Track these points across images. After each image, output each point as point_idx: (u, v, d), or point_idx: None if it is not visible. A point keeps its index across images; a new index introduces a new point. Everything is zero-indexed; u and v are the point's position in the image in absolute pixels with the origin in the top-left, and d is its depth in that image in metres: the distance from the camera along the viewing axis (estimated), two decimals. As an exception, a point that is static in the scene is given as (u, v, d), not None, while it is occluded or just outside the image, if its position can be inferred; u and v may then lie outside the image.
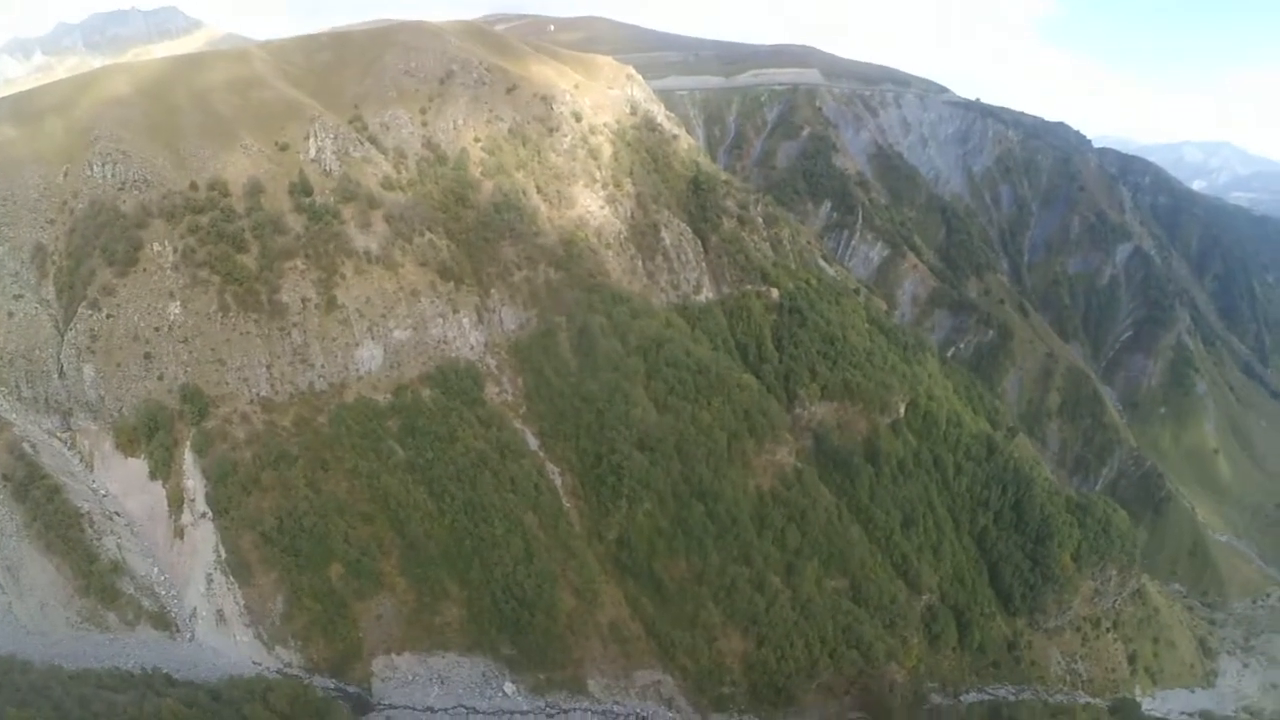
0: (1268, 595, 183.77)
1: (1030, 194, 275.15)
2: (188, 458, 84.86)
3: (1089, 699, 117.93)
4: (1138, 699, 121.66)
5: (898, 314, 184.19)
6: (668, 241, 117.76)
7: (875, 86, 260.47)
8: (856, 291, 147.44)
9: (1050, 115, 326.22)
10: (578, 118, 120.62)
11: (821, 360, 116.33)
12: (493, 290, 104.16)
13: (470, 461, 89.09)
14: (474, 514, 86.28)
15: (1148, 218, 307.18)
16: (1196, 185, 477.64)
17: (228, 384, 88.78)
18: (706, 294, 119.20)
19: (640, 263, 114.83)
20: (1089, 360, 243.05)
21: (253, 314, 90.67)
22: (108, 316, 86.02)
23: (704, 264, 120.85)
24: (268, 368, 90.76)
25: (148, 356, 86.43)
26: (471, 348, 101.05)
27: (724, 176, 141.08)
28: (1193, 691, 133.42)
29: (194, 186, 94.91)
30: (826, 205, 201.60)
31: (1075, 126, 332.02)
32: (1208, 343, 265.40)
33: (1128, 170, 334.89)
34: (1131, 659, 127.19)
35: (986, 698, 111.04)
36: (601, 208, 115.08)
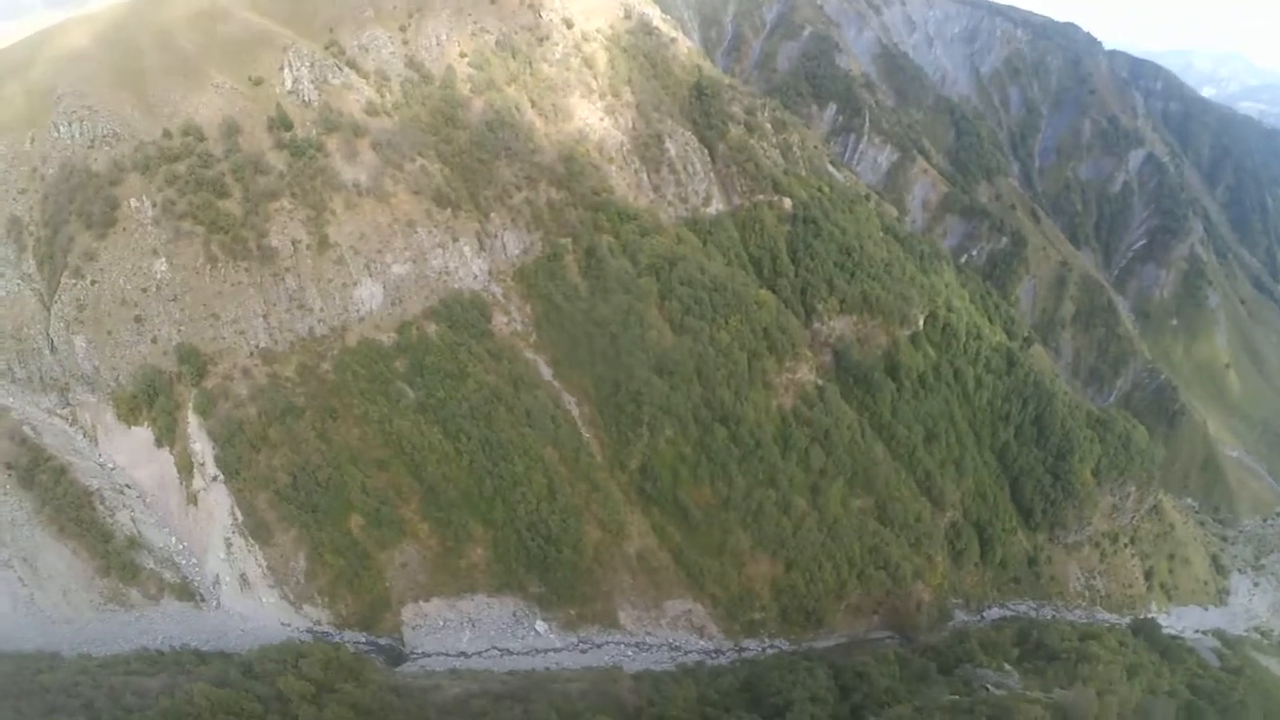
0: (1278, 514, 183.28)
1: (1040, 96, 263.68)
2: (191, 421, 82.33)
3: (1107, 615, 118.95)
4: (1153, 615, 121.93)
5: (908, 220, 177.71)
6: (673, 152, 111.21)
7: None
8: (867, 198, 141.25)
9: (1058, 15, 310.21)
10: (569, 25, 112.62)
11: (839, 272, 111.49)
12: (492, 214, 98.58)
13: (483, 398, 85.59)
14: (492, 452, 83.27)
15: (1159, 124, 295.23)
16: (1205, 94, 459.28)
17: (224, 339, 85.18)
18: (716, 206, 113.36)
19: (645, 176, 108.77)
20: (1100, 269, 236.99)
21: (242, 262, 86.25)
22: (92, 283, 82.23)
23: (712, 174, 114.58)
24: (264, 317, 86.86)
25: (138, 320, 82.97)
26: (475, 277, 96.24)
27: (728, 81, 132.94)
28: (1206, 609, 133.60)
29: (167, 134, 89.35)
30: (831, 108, 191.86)
31: (1084, 28, 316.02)
32: (1219, 255, 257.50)
33: (1138, 74, 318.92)
34: (1148, 575, 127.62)
35: (1008, 613, 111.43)
36: (601, 120, 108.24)
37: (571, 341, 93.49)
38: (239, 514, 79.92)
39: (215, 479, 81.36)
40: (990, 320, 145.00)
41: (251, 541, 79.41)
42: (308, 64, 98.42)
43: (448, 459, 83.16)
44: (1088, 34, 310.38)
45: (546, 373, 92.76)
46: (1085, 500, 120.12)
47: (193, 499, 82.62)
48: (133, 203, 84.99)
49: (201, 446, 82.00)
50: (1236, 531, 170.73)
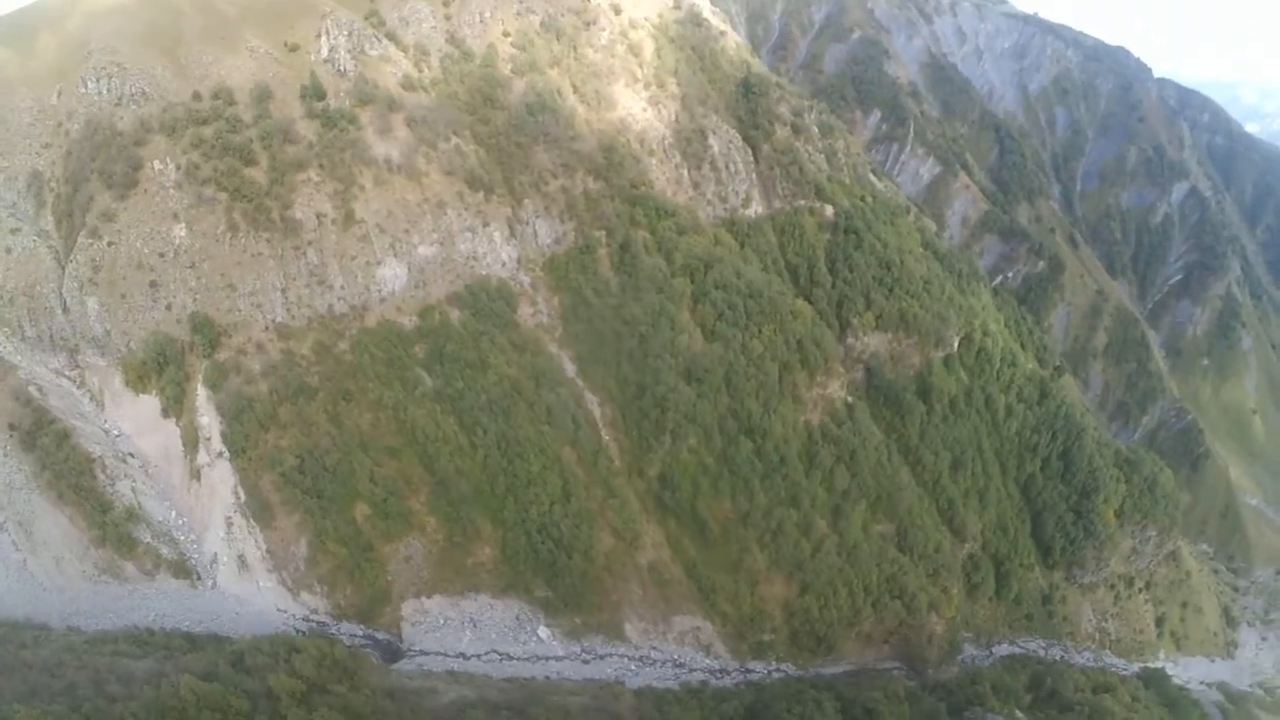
0: None
1: (1087, 119, 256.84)
2: (201, 393, 79.83)
3: (1115, 660, 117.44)
4: (1161, 663, 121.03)
5: (946, 236, 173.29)
6: (715, 149, 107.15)
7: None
8: (907, 211, 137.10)
9: (1109, 38, 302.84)
10: (616, 10, 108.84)
11: (877, 287, 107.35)
12: (526, 201, 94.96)
13: (503, 391, 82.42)
14: (508, 448, 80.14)
15: (1203, 158, 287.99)
16: (1249, 129, 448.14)
17: (240, 311, 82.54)
18: (756, 208, 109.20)
19: (686, 172, 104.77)
20: (1135, 301, 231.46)
21: (264, 233, 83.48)
22: (109, 244, 80.00)
23: (754, 175, 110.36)
24: (282, 291, 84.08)
25: (153, 285, 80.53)
26: (503, 264, 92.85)
27: (776, 80, 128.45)
28: (1212, 661, 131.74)
29: (196, 96, 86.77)
30: (875, 115, 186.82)
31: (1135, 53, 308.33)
32: (1254, 296, 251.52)
33: (1185, 105, 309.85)
34: (1159, 621, 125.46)
35: (1018, 650, 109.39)
36: (644, 110, 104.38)
37: (598, 339, 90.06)
38: (242, 493, 77.46)
39: (220, 455, 78.95)
40: (1023, 346, 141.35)
41: (253, 523, 76.96)
42: (345, 33, 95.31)
43: (461, 452, 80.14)
44: (1138, 59, 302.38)
45: (570, 369, 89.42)
46: (1106, 542, 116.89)
47: (196, 474, 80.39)
48: (156, 165, 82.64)
49: (209, 420, 79.54)
50: (1249, 582, 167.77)
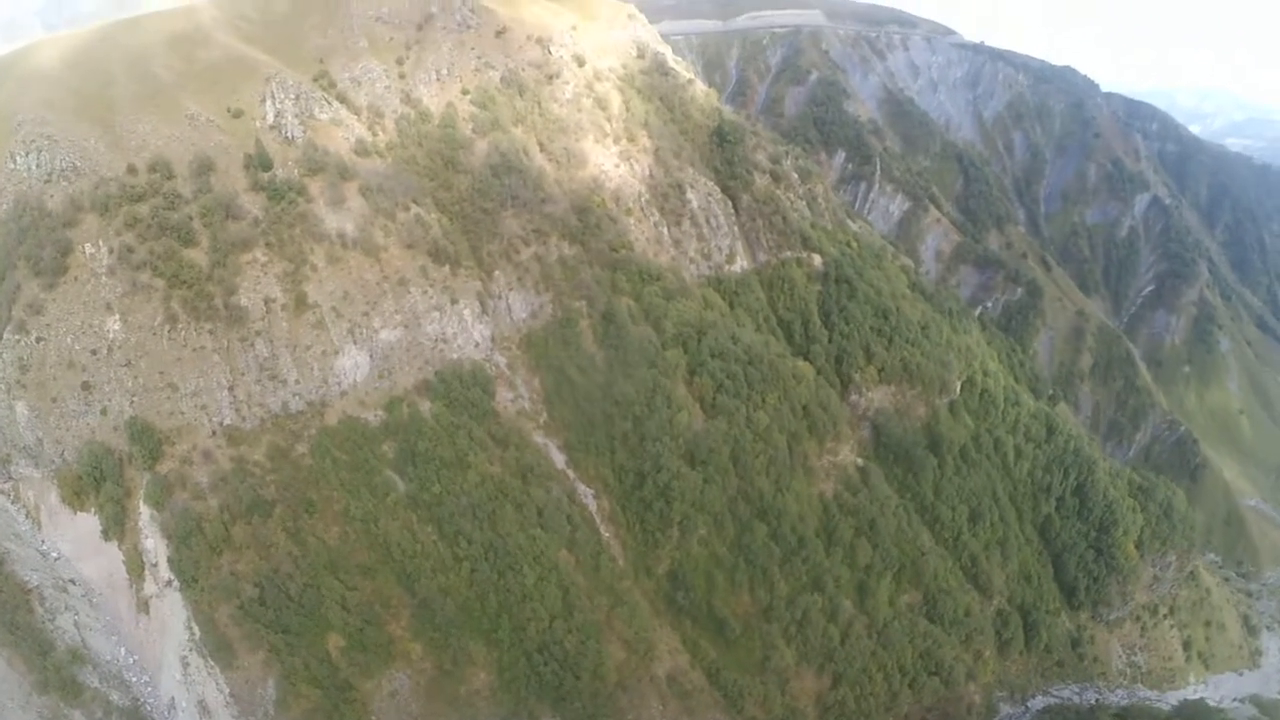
0: None
1: (1044, 141, 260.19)
2: (143, 512, 70.55)
3: (1148, 692, 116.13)
4: (1192, 686, 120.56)
5: (923, 272, 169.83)
6: (694, 203, 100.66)
7: (881, 28, 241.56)
8: (888, 252, 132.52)
9: (1051, 59, 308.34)
10: (580, 62, 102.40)
11: (876, 337, 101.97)
12: (496, 272, 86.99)
13: (487, 493, 73.32)
14: (497, 559, 70.95)
15: (1158, 166, 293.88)
16: (1193, 130, 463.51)
17: (183, 414, 73.23)
18: (741, 263, 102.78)
19: (666, 230, 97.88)
20: (1110, 316, 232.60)
21: (206, 324, 74.66)
22: (38, 340, 71.20)
23: (736, 228, 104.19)
24: (230, 389, 74.91)
25: (86, 387, 71.54)
26: (476, 345, 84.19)
27: (750, 126, 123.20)
28: (1240, 674, 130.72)
29: (131, 170, 78.51)
30: (840, 155, 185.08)
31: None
32: (1224, 297, 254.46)
33: (1134, 116, 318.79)
34: (1186, 645, 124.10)
35: (1052, 700, 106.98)
36: (616, 166, 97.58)
37: (588, 423, 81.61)
38: (196, 629, 67.25)
39: (170, 584, 69.02)
40: (1017, 379, 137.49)
41: (211, 662, 66.62)
42: (292, 96, 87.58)
43: (444, 567, 70.62)
44: (1085, 77, 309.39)
45: (559, 459, 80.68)
46: (1129, 575, 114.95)
47: (144, 606, 70.67)
48: (87, 248, 74.04)
49: (154, 544, 69.79)
50: (1260, 585, 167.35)
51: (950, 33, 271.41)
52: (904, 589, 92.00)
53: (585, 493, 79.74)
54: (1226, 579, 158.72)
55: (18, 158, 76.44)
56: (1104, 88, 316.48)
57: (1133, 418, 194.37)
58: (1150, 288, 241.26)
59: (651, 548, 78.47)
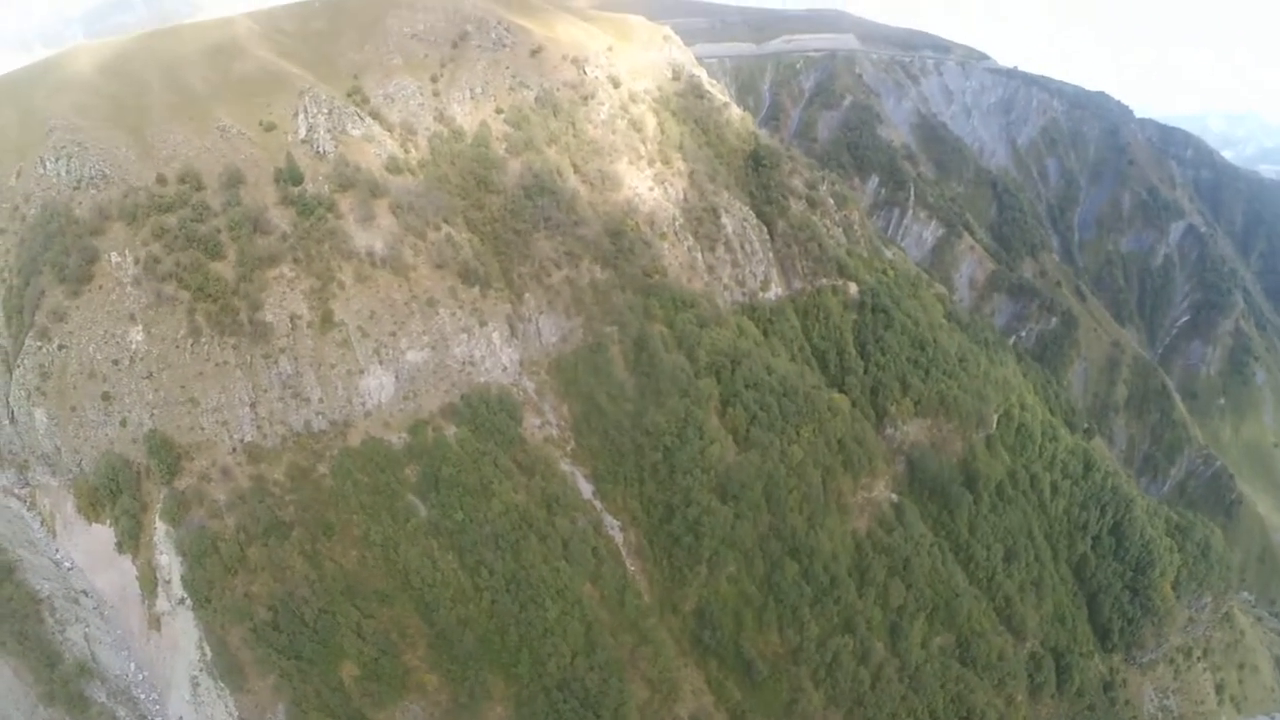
0: None
1: (1078, 167, 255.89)
2: (158, 528, 68.79)
3: None
4: None
5: (956, 300, 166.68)
6: (729, 229, 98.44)
7: (915, 52, 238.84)
8: (924, 280, 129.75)
9: (1086, 84, 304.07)
10: (615, 83, 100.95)
11: (912, 369, 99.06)
12: (527, 295, 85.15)
13: (510, 522, 70.96)
14: (519, 591, 68.50)
15: (1193, 193, 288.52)
16: (1225, 155, 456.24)
17: (203, 429, 71.73)
18: (776, 290, 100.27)
19: (700, 255, 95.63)
20: (1145, 346, 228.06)
21: (230, 338, 73.23)
22: (60, 348, 70.06)
23: (771, 255, 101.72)
24: (251, 406, 73.31)
25: (106, 398, 70.20)
26: (504, 369, 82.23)
27: (787, 151, 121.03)
28: (1272, 717, 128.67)
29: (161, 180, 77.67)
30: (874, 180, 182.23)
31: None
32: (1259, 326, 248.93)
33: (1168, 142, 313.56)
34: (1219, 688, 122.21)
35: None
36: (651, 189, 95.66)
37: (616, 452, 79.21)
38: (208, 649, 65.33)
39: (182, 602, 67.16)
40: (1052, 412, 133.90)
41: (221, 685, 64.52)
42: (325, 111, 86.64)
43: (464, 597, 68.33)
44: (1119, 103, 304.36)
45: (586, 489, 78.28)
46: (1165, 617, 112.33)
47: (155, 623, 68.93)
48: (113, 257, 73.22)
49: (168, 560, 68.10)
50: None
51: (984, 57, 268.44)
52: (937, 630, 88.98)
53: (612, 524, 77.22)
54: (1259, 619, 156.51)
55: (48, 163, 76.19)
56: (1136, 113, 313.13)
57: (1168, 452, 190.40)
58: (1185, 318, 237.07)
59: (679, 584, 75.74)
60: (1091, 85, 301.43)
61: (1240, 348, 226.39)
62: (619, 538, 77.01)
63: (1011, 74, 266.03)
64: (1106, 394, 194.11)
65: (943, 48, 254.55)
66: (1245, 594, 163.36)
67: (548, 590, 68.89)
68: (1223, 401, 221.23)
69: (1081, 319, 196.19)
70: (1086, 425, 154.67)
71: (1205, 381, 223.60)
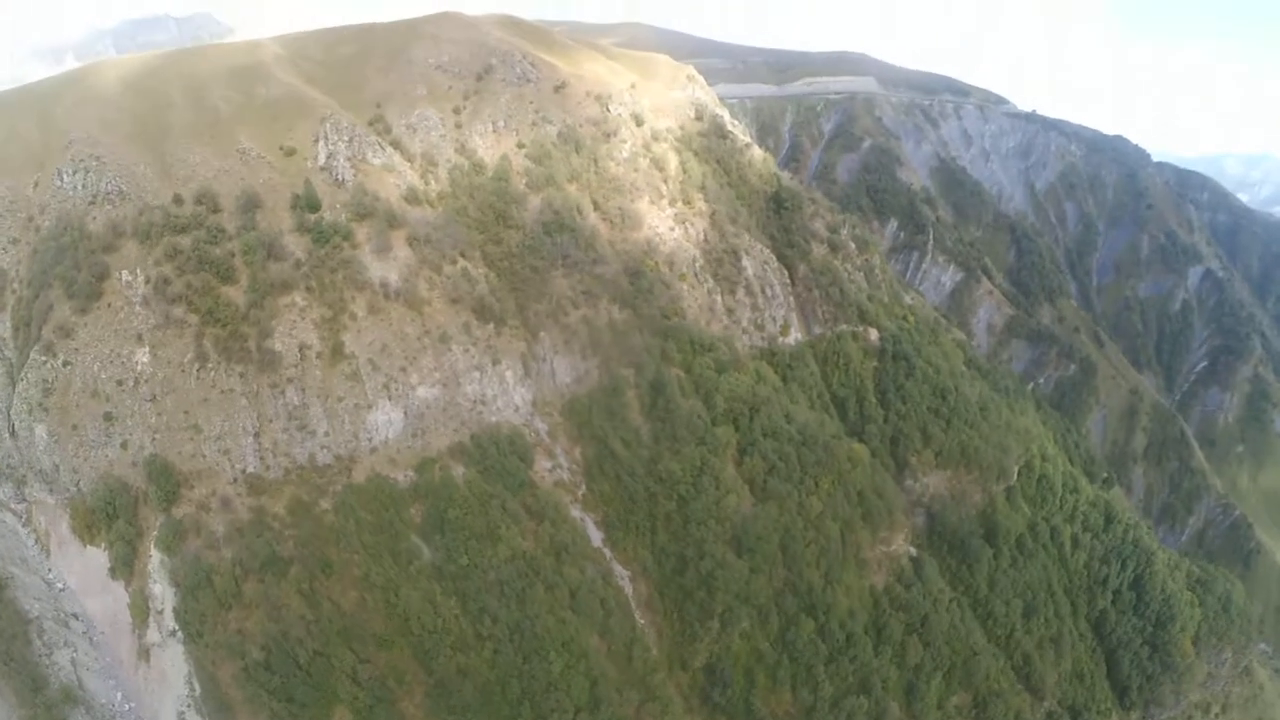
0: None
1: (1096, 212, 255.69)
2: (153, 556, 66.81)
3: None
4: None
5: (974, 345, 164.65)
6: (750, 271, 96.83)
7: (934, 96, 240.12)
8: (944, 326, 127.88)
9: (1103, 128, 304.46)
10: (638, 121, 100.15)
11: (933, 419, 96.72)
12: (542, 334, 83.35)
13: (517, 570, 68.40)
14: (523, 642, 65.78)
15: (1210, 237, 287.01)
16: (1240, 198, 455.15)
17: (204, 457, 69.89)
18: (795, 335, 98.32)
19: (720, 298, 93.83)
20: (1162, 392, 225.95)
21: (237, 365, 71.79)
22: (65, 364, 68.96)
23: (791, 299, 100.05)
24: (255, 436, 71.53)
25: (108, 418, 68.69)
26: (516, 409, 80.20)
27: (809, 194, 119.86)
28: None
29: (177, 200, 77.06)
30: (893, 224, 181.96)
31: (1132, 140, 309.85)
32: (1277, 373, 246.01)
33: (1185, 186, 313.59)
34: None
35: None
36: (671, 229, 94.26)
37: (629, 499, 76.69)
38: (197, 685, 63.16)
39: (174, 634, 65.18)
40: (1072, 461, 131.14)
41: (210, 723, 62.29)
42: (346, 138, 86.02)
43: (466, 645, 65.65)
44: (1137, 147, 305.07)
45: (596, 536, 75.69)
46: (1185, 674, 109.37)
47: (145, 653, 66.60)
48: (124, 275, 72.46)
49: (161, 590, 66.07)
50: None
51: (1003, 101, 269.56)
52: (954, 690, 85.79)
53: (622, 574, 74.44)
54: (1278, 670, 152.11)
55: (65, 175, 75.81)
56: (1152, 156, 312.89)
57: (1186, 501, 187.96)
58: (1203, 363, 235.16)
59: (689, 639, 72.79)
60: (1109, 129, 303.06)
61: (1259, 394, 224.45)
62: (629, 589, 74.22)
63: (1030, 118, 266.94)
64: (1125, 442, 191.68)
65: (962, 91, 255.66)
66: (1263, 645, 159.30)
67: (553, 642, 66.17)
68: (1241, 449, 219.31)
69: (1100, 365, 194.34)
70: (1105, 474, 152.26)
71: (1223, 428, 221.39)
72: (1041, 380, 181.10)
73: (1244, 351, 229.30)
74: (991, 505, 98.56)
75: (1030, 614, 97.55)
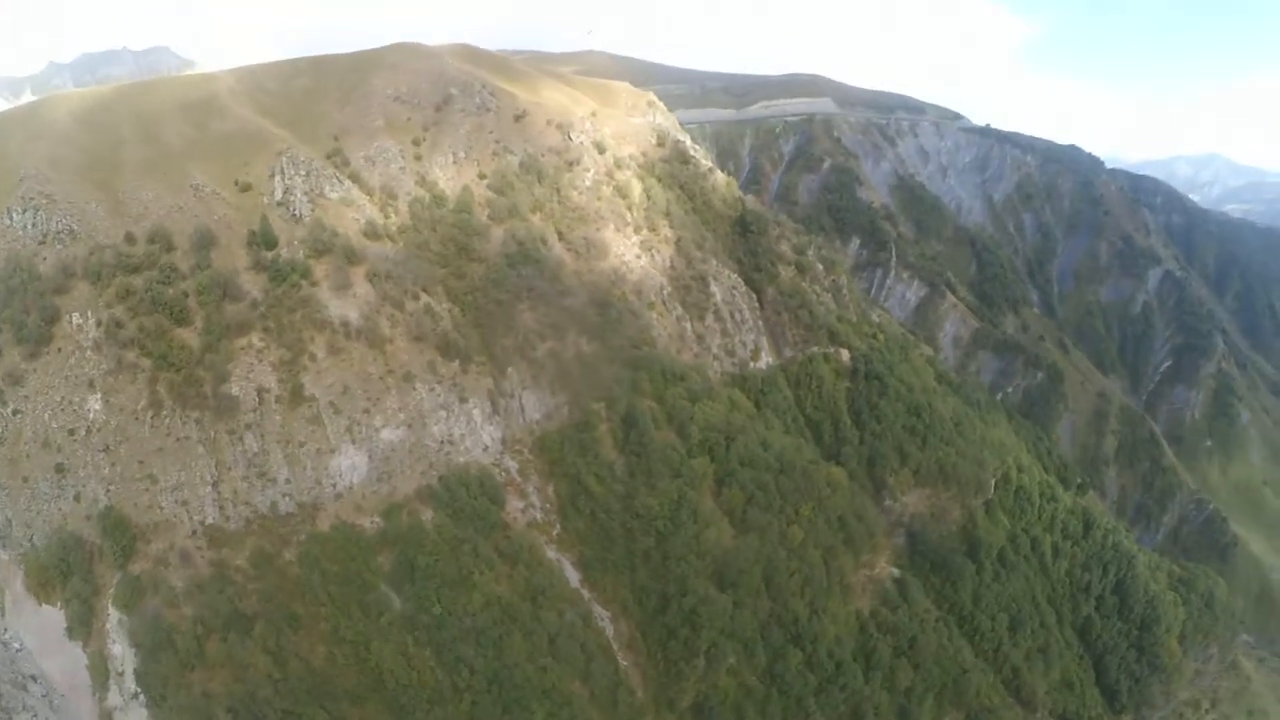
0: None
1: (1054, 221, 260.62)
2: (111, 615, 63.83)
3: None
4: None
5: (941, 359, 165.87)
6: (719, 297, 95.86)
7: (891, 115, 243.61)
8: (912, 343, 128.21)
9: (1046, 137, 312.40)
10: (600, 149, 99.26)
11: (909, 437, 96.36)
12: (510, 369, 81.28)
13: (492, 617, 65.96)
14: (502, 692, 63.26)
15: (1167, 239, 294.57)
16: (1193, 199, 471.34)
17: (161, 509, 67.00)
18: (766, 359, 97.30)
19: (689, 325, 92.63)
20: (1129, 394, 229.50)
21: (193, 411, 69.13)
22: (14, 413, 66.46)
23: (760, 323, 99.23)
24: (213, 485, 68.70)
25: (60, 469, 65.97)
26: (485, 448, 77.87)
27: (775, 216, 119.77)
28: None
29: (130, 239, 74.87)
30: (855, 242, 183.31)
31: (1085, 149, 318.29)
32: (1239, 366, 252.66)
33: (1138, 190, 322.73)
34: None
35: None
36: (638, 257, 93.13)
37: (606, 537, 74.50)
38: (162, 752, 59.69)
39: (135, 697, 61.85)
40: (1046, 469, 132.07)
41: (176, 794, 58.95)
42: (303, 172, 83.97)
43: (442, 698, 62.90)
44: (1091, 155, 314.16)
45: (573, 577, 73.27)
46: (1172, 673, 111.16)
47: (107, 717, 62.97)
48: (75, 318, 69.82)
49: (121, 651, 62.95)
50: None
51: (958, 117, 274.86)
52: (946, 710, 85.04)
53: (602, 615, 72.09)
54: (1262, 659, 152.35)
55: (14, 214, 73.08)
56: (1107, 163, 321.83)
57: (1160, 500, 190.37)
58: (1168, 363, 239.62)
59: (675, 679, 70.55)
60: (1062, 139, 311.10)
61: (1224, 389, 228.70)
62: (609, 630, 71.85)
63: (985, 132, 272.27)
64: (1096, 446, 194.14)
65: (917, 109, 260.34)
66: (1245, 636, 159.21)
67: (533, 691, 63.73)
68: (1210, 444, 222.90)
69: (1066, 372, 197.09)
70: (1080, 480, 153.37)
71: (1191, 425, 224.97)
72: (1010, 390, 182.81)
73: (1206, 348, 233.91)
74: (971, 520, 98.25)
75: (1016, 626, 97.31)
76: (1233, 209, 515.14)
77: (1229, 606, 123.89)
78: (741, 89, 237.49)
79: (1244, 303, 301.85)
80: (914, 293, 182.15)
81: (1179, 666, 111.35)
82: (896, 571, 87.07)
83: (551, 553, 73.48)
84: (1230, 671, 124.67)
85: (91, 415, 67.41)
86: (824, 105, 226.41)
